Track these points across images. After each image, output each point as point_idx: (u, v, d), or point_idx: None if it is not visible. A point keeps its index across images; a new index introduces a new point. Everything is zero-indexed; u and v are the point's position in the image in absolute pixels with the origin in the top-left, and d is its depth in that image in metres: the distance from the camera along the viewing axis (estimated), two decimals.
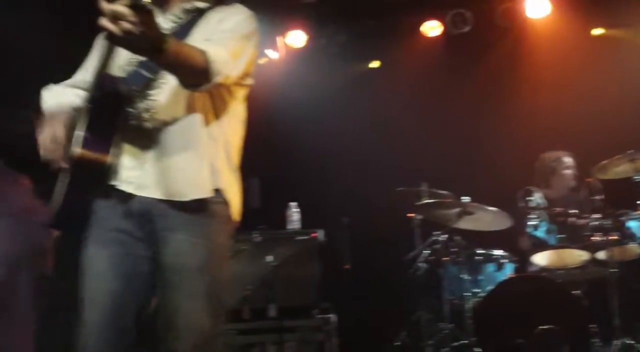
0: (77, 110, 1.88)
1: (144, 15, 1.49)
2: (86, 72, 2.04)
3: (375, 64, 6.00)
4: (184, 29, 1.92)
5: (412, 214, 4.55)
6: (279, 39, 5.78)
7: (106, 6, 1.47)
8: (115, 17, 1.47)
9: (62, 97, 2.00)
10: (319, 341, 3.95)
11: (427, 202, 4.28)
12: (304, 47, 5.77)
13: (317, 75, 5.65)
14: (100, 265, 1.87)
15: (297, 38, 5.75)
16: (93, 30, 1.98)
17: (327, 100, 5.53)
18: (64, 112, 1.89)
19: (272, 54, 5.81)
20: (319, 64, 5.74)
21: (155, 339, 1.89)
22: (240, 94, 2.03)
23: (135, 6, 1.46)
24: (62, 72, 2.11)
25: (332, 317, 4.12)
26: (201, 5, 1.99)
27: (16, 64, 4.35)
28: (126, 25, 1.47)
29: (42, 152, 1.83)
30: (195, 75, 1.76)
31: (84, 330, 1.85)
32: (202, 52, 1.74)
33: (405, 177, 4.56)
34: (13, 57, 4.34)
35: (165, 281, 1.86)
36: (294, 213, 4.51)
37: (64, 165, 1.80)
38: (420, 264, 4.38)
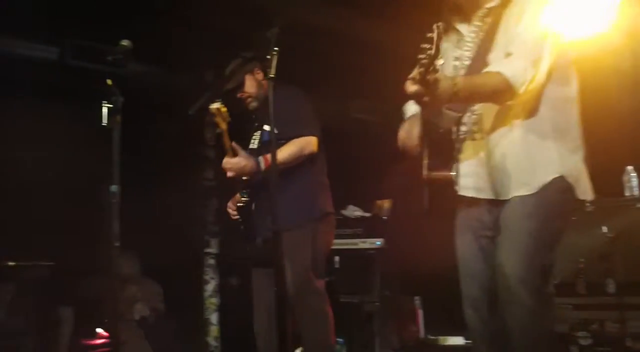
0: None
1: (432, 85, 1.78)
2: None
3: None
4: (487, 37, 2.09)
5: None
6: None
7: (409, 88, 1.84)
8: (414, 95, 1.83)
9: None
10: None
11: None
12: None
13: None
14: (466, 248, 2.22)
15: None
16: None
17: None
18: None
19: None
20: None
21: None
22: (563, 75, 2.08)
23: (423, 82, 1.78)
24: None
25: None
26: (492, 4, 2.10)
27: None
28: (425, 98, 1.83)
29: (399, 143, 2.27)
30: (498, 96, 1.98)
31: (466, 301, 2.19)
32: (497, 74, 1.94)
33: None
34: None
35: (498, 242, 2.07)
36: (632, 178, 4.09)
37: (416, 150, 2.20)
38: None
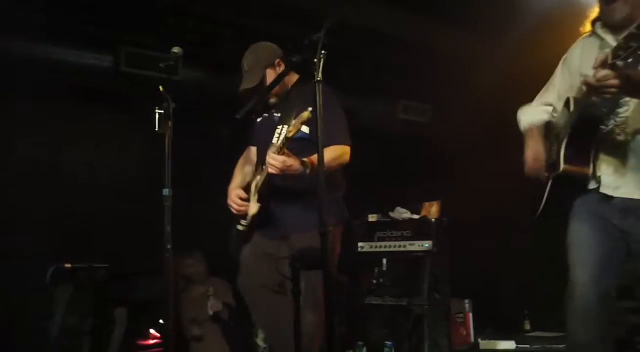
0: (548, 125, 2.39)
1: (624, 74, 1.86)
2: (552, 92, 2.48)
3: None
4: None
5: None
6: None
7: (592, 78, 1.93)
8: (598, 80, 1.91)
9: (533, 115, 2.48)
10: None
11: None
12: None
13: None
14: (583, 235, 2.26)
15: None
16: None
17: None
18: (539, 129, 2.39)
19: None
20: None
21: None
22: None
23: (614, 67, 1.87)
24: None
25: None
26: None
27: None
28: (607, 86, 1.91)
29: (526, 168, 2.35)
30: None
31: (573, 287, 2.22)
32: None
33: None
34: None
35: None
36: None
37: (544, 176, 2.28)
38: None
